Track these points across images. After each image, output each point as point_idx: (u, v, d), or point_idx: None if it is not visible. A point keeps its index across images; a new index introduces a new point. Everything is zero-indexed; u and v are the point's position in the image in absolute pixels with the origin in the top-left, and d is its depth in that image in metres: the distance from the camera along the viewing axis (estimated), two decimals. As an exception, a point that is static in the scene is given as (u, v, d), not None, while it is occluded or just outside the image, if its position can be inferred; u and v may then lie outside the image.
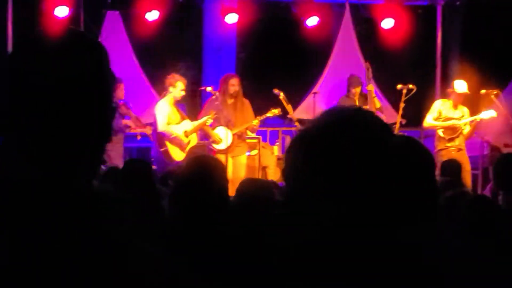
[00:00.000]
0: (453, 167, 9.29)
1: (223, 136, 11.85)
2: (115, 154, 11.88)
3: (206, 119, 11.79)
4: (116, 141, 11.96)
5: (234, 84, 12.07)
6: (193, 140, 11.91)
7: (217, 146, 11.93)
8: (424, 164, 2.05)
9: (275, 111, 12.34)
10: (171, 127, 11.62)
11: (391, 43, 14.63)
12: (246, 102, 12.29)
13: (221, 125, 11.92)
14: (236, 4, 14.24)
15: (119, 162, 11.81)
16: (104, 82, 1.81)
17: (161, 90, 12.90)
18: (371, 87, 12.88)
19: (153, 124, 11.87)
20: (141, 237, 1.69)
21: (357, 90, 13.08)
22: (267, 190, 5.30)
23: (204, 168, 3.86)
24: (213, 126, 11.98)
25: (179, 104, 12.12)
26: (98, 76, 1.79)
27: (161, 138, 11.63)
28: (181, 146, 11.66)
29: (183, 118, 11.89)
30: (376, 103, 12.87)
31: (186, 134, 11.76)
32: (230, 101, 12.09)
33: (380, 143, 1.85)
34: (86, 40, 1.84)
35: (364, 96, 12.96)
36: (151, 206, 4.76)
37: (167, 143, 11.62)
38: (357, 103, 12.64)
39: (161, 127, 11.58)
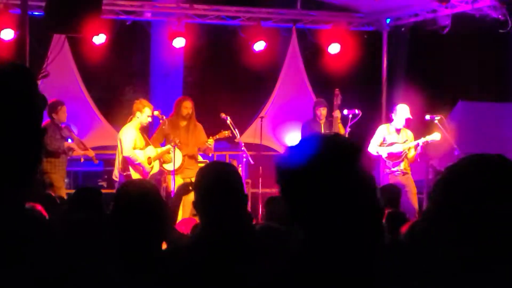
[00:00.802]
0: (391, 191, 9.33)
1: (172, 156, 11.85)
2: (58, 177, 11.78)
3: (169, 147, 11.79)
4: (59, 164, 11.86)
5: (187, 107, 12.13)
6: (156, 167, 11.86)
7: (166, 167, 11.96)
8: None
9: (225, 133, 12.37)
10: (136, 152, 11.57)
11: (338, 68, 14.76)
12: (199, 125, 12.35)
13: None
14: (183, 28, 14.23)
15: (61, 184, 11.73)
16: (27, 105, 1.82)
17: (107, 114, 12.86)
18: (338, 114, 12.99)
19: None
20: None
21: (323, 112, 13.10)
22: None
23: (140, 192, 3.85)
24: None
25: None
26: (20, 100, 1.81)
27: (125, 162, 11.57)
28: (144, 172, 11.58)
29: (147, 144, 11.84)
30: (341, 130, 12.96)
31: (149, 161, 11.71)
32: (183, 123, 12.13)
33: None
34: (6, 66, 1.87)
35: (329, 121, 13.05)
36: (96, 231, 4.72)
37: (130, 168, 11.56)
38: (322, 127, 12.74)
39: (126, 151, 11.51)
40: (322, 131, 12.68)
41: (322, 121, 13.12)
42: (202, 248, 3.82)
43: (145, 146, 11.77)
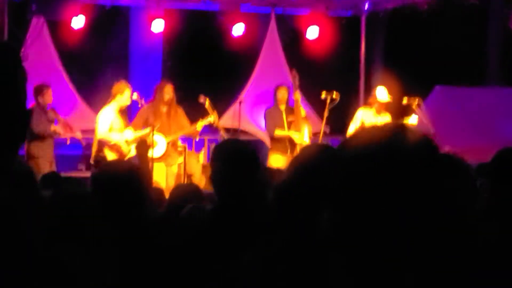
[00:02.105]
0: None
1: (157, 141, 11.87)
2: (44, 162, 11.78)
3: (149, 131, 11.74)
4: (46, 147, 11.87)
5: (168, 92, 12.10)
6: (134, 150, 11.86)
7: (149, 153, 11.95)
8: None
9: (211, 118, 12.33)
10: (111, 135, 11.57)
11: (316, 52, 14.83)
12: (180, 109, 12.33)
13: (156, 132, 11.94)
14: (162, 12, 14.24)
15: (46, 169, 11.72)
16: (9, 83, 1.84)
17: (87, 97, 12.85)
18: (298, 96, 12.87)
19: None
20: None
21: (283, 91, 12.84)
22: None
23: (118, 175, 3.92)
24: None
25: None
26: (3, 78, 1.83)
27: (100, 143, 11.59)
28: (121, 154, 11.59)
29: (126, 126, 11.85)
30: (302, 112, 12.91)
31: (128, 143, 11.71)
32: (164, 108, 12.11)
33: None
34: None
35: (290, 109, 12.90)
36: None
37: (105, 150, 11.57)
38: (284, 114, 12.67)
39: (100, 134, 11.54)
40: (284, 117, 12.60)
41: (283, 107, 12.85)
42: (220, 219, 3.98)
43: (124, 129, 11.79)
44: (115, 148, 11.60)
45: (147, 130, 11.80)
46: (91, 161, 11.94)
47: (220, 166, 4.17)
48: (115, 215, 3.79)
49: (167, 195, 6.32)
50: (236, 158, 4.14)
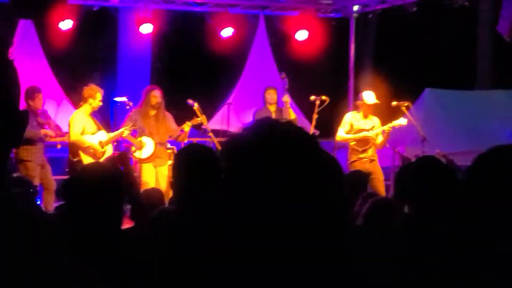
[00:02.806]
0: (359, 177, 9.37)
1: (146, 142, 11.87)
2: (34, 165, 11.74)
3: (122, 130, 11.79)
4: (35, 151, 11.83)
5: (156, 96, 12.08)
6: (108, 151, 11.85)
7: (137, 154, 11.92)
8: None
9: (199, 119, 12.31)
10: (85, 137, 11.56)
11: (305, 54, 14.80)
12: (168, 114, 12.33)
13: (145, 135, 11.94)
14: (150, 14, 14.18)
15: (36, 173, 11.67)
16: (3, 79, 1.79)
17: (76, 99, 12.76)
18: (287, 98, 12.90)
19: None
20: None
21: (272, 92, 12.91)
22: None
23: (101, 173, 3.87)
24: (136, 137, 11.98)
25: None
26: None
27: (74, 147, 11.56)
28: (95, 156, 11.59)
29: (99, 129, 11.83)
30: (291, 114, 12.90)
31: (102, 145, 11.71)
32: (152, 112, 12.09)
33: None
34: None
35: (279, 110, 12.94)
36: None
37: (81, 153, 11.55)
38: (273, 114, 12.66)
39: (73, 136, 11.53)
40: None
41: (273, 108, 12.92)
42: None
43: (97, 131, 11.78)
44: (89, 150, 11.59)
45: (120, 130, 11.81)
46: (67, 169, 11.95)
47: (176, 170, 4.14)
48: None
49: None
50: (191, 162, 4.10)
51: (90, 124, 11.74)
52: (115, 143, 12.30)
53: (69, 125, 11.71)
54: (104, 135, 11.81)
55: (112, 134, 11.88)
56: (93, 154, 11.59)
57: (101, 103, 11.81)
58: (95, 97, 11.71)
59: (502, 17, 13.96)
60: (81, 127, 11.59)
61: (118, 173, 4.05)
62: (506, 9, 13.88)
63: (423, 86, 15.99)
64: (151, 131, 11.97)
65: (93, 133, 11.71)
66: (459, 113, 15.80)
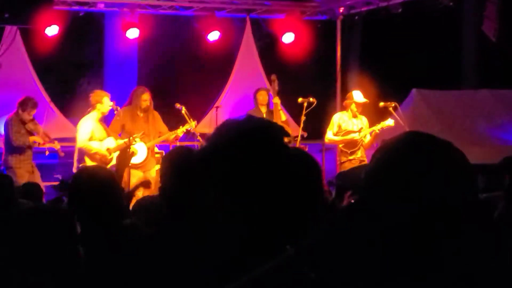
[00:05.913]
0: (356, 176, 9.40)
1: (138, 149, 11.81)
2: (23, 172, 11.74)
3: (132, 139, 11.64)
4: (24, 158, 11.83)
5: (146, 99, 12.03)
6: (115, 158, 11.79)
7: (131, 160, 11.87)
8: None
9: (191, 125, 12.28)
10: (92, 143, 11.50)
11: (292, 57, 14.82)
12: (156, 114, 12.27)
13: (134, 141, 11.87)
14: (137, 19, 14.17)
15: (25, 180, 11.64)
16: None
17: (62, 105, 12.75)
18: (277, 100, 12.94)
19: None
20: None
21: (263, 94, 12.96)
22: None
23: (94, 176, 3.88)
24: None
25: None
26: None
27: (81, 153, 11.54)
28: (103, 162, 11.49)
29: (108, 135, 11.77)
30: (282, 116, 12.94)
31: (109, 151, 11.64)
32: (140, 114, 12.05)
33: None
34: None
35: (270, 111, 12.97)
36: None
37: (86, 159, 11.50)
38: (265, 116, 12.67)
39: (80, 143, 11.48)
40: None
41: (264, 109, 12.98)
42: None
43: (106, 137, 11.73)
44: (96, 156, 11.52)
45: (126, 140, 11.71)
46: (74, 170, 11.87)
47: (163, 176, 4.14)
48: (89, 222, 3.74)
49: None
50: (177, 166, 4.09)
51: (99, 130, 11.68)
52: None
53: (76, 131, 11.70)
54: (112, 142, 11.73)
55: (121, 141, 11.78)
56: (100, 160, 11.52)
57: (110, 107, 11.77)
58: (102, 102, 11.67)
59: (487, 17, 14.03)
60: (88, 133, 11.53)
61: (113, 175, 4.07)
62: (490, 9, 13.96)
63: (410, 87, 16.04)
64: (143, 133, 11.87)
65: (101, 139, 11.65)
66: (445, 113, 15.85)
